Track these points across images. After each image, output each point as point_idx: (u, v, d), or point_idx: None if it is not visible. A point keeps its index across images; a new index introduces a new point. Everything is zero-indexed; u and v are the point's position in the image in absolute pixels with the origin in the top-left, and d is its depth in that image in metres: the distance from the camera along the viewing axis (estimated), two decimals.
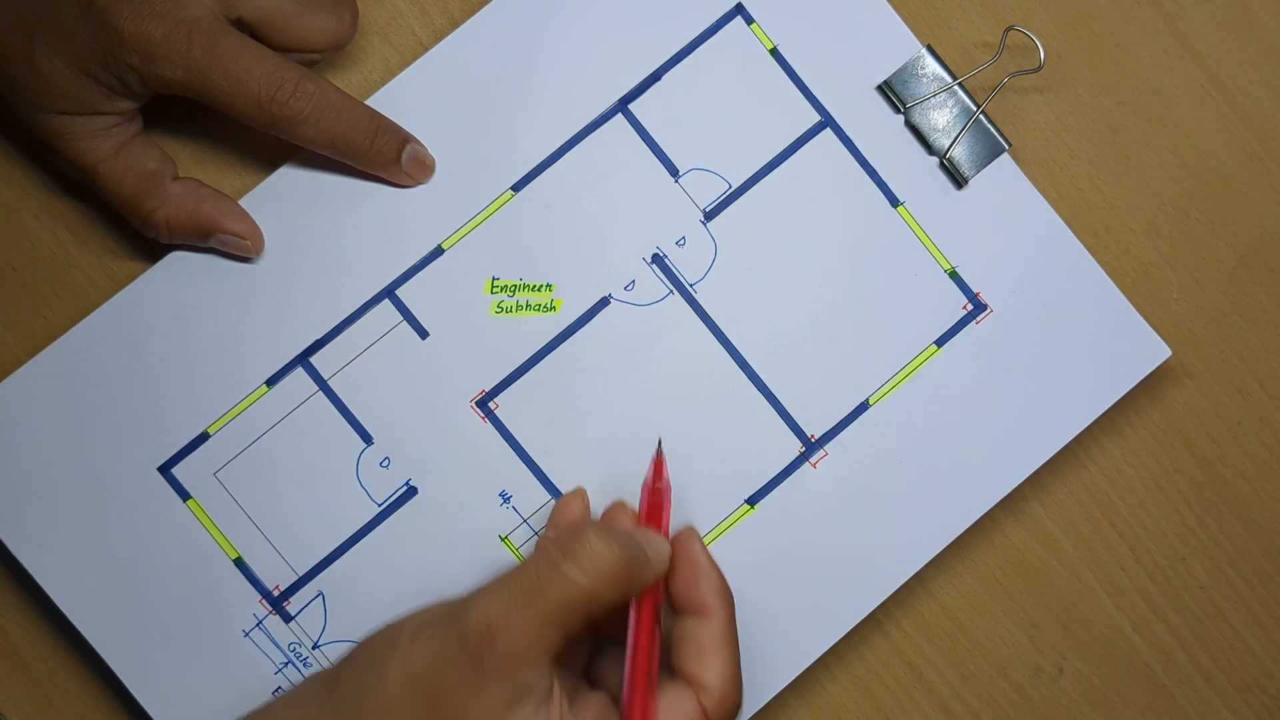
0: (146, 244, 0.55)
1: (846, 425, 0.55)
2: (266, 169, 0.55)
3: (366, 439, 0.54)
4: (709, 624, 0.46)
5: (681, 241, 0.55)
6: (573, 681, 0.48)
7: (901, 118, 0.55)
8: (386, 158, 0.53)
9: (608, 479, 0.54)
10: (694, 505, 0.54)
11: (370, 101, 0.54)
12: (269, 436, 0.54)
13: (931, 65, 0.55)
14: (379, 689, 0.44)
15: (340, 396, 0.54)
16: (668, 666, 0.48)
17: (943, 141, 0.55)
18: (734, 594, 0.54)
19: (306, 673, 0.54)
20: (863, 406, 0.55)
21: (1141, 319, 0.55)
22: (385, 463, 0.54)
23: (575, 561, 0.44)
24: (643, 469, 0.54)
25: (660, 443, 0.52)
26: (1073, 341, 0.55)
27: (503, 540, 0.54)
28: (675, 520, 0.54)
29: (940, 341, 0.55)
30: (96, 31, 0.49)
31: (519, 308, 0.55)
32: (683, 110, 0.55)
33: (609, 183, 0.55)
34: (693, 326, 0.55)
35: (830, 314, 0.55)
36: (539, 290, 0.55)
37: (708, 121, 0.55)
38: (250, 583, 0.54)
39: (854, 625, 0.54)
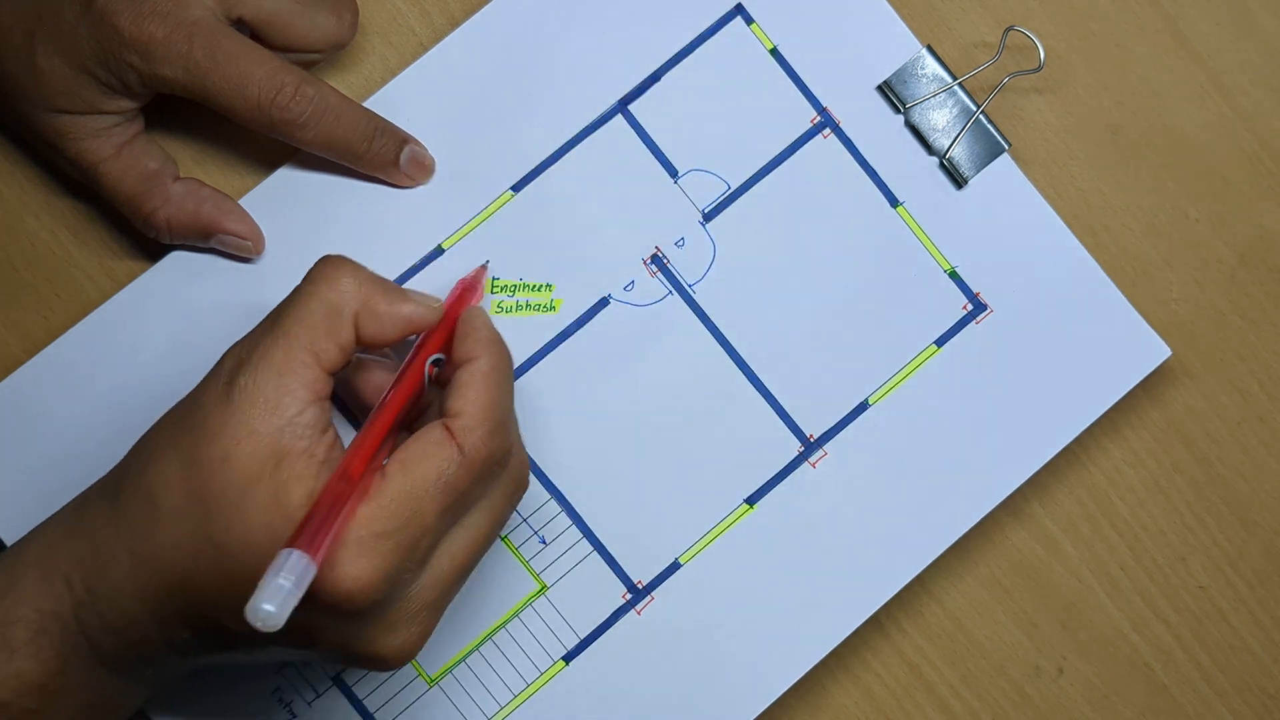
0: (146, 244, 0.55)
1: (846, 425, 0.55)
2: (266, 169, 0.55)
3: None
4: (471, 366, 0.45)
5: (680, 242, 0.55)
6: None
7: (901, 118, 0.55)
8: (385, 159, 0.53)
9: (606, 478, 0.54)
10: (692, 505, 0.54)
11: (370, 102, 0.54)
12: None
13: (931, 65, 0.55)
14: (150, 466, 0.44)
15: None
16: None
17: (943, 141, 0.55)
18: (733, 594, 0.54)
19: (306, 672, 0.54)
20: (862, 406, 0.55)
21: (1141, 319, 0.55)
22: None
23: (324, 281, 0.45)
24: (639, 473, 0.54)
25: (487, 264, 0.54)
26: (1073, 341, 0.55)
27: (502, 540, 0.54)
28: (673, 524, 0.54)
29: (940, 341, 0.55)
30: (97, 31, 0.49)
31: (519, 308, 0.55)
32: (682, 111, 0.55)
33: (609, 183, 0.55)
34: (691, 327, 0.55)
35: (830, 314, 0.55)
36: (539, 290, 0.55)
37: (707, 122, 0.55)
38: None
39: (855, 628, 0.54)
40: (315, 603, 0.41)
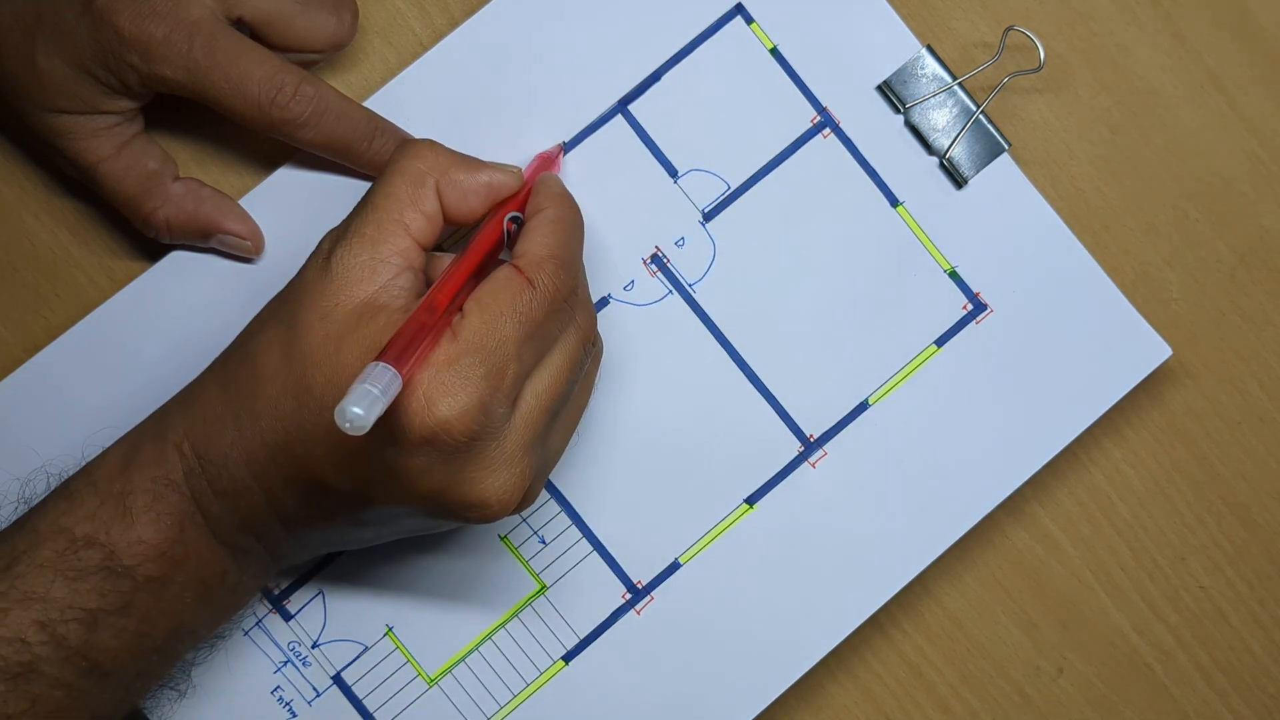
0: (146, 244, 0.55)
1: (846, 425, 0.55)
2: (266, 169, 0.55)
3: None
4: (539, 215, 0.48)
5: (680, 242, 0.55)
6: None
7: (901, 118, 0.55)
8: (384, 159, 0.53)
9: (606, 478, 0.54)
10: (692, 504, 0.54)
11: (370, 102, 0.54)
12: None
13: (931, 65, 0.55)
14: (254, 336, 0.47)
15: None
16: None
17: (942, 141, 0.55)
18: (733, 594, 0.54)
19: (306, 672, 0.54)
20: (862, 406, 0.55)
21: (1141, 319, 0.55)
22: None
23: (404, 156, 0.47)
24: (639, 473, 0.54)
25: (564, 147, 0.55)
26: (1073, 341, 0.55)
27: (502, 540, 0.54)
28: (673, 524, 0.54)
29: (940, 341, 0.55)
30: (96, 30, 0.49)
31: None
32: (682, 111, 0.55)
33: (609, 183, 0.55)
34: (692, 327, 0.55)
35: (830, 314, 0.55)
36: None
37: (707, 122, 0.55)
38: None
39: (855, 628, 0.54)
40: (414, 437, 0.43)
